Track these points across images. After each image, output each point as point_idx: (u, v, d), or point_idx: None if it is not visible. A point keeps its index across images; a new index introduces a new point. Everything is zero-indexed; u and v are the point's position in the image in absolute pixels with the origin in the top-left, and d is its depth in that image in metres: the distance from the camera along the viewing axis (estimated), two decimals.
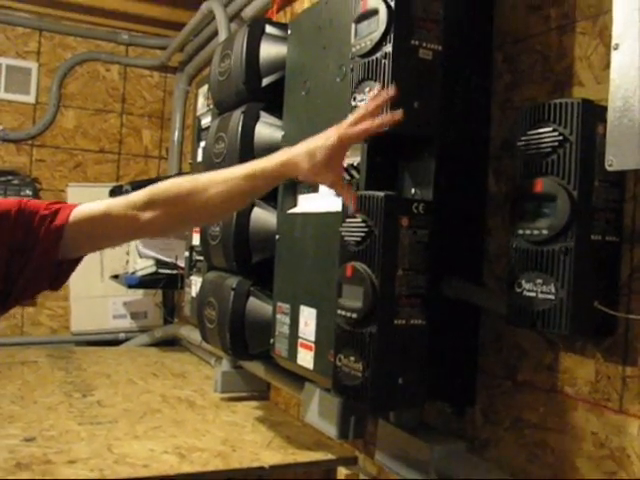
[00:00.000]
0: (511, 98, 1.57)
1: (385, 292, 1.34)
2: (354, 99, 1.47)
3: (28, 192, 4.10)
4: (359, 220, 1.39)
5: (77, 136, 4.32)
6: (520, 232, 1.28)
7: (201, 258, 2.66)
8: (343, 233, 1.44)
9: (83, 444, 2.11)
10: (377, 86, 1.39)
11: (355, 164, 1.60)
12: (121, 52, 4.39)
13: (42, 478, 1.82)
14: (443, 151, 1.44)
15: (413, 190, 1.47)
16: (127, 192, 3.56)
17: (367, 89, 1.41)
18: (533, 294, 1.24)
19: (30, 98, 4.21)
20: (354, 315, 1.36)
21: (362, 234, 1.36)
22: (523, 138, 1.29)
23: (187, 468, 1.95)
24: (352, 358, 1.37)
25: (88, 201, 3.89)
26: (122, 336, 4.19)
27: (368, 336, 1.33)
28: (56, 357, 3.52)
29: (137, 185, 3.58)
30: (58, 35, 4.25)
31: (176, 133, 4.33)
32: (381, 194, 1.36)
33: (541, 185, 1.23)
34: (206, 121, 2.76)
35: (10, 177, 4.13)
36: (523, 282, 1.26)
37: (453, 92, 1.47)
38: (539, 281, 1.23)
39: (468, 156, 1.52)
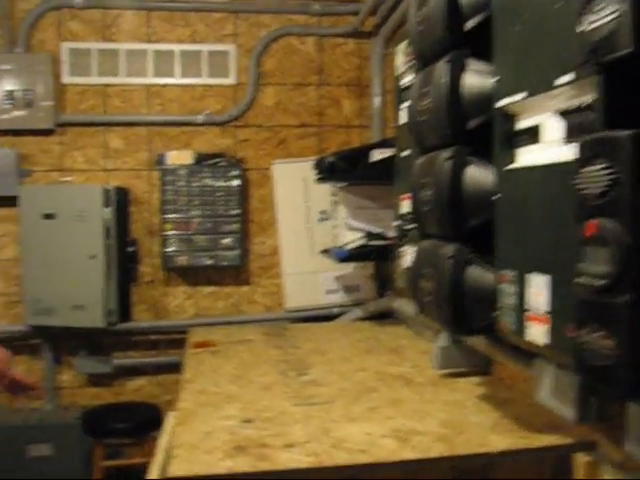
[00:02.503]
0: None
1: None
2: (581, 23, 1.22)
3: (235, 173, 4.15)
4: (599, 167, 1.14)
5: (278, 113, 4.31)
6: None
7: (412, 227, 2.49)
8: (579, 185, 1.19)
9: (299, 427, 2.02)
10: None
11: (582, 104, 1.34)
12: (314, 23, 4.31)
13: (258, 466, 1.74)
14: None
15: None
16: (331, 164, 3.48)
17: (601, 6, 1.15)
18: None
19: (230, 80, 4.26)
20: (601, 282, 1.12)
21: (605, 184, 1.11)
22: None
23: (408, 454, 1.80)
24: (600, 333, 1.14)
25: (291, 177, 3.79)
26: (336, 311, 4.16)
27: (622, 307, 1.08)
28: (271, 335, 3.52)
29: (341, 156, 3.48)
30: (252, 15, 4.25)
31: (376, 99, 4.19)
32: (627, 133, 1.10)
33: None
34: (407, 80, 2.57)
35: (218, 159, 4.20)
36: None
37: None
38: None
39: None
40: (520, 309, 1.59)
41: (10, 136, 4.10)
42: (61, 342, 4.13)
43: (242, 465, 1.73)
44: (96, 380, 4.23)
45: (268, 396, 2.38)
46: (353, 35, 4.31)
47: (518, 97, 1.57)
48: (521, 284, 1.58)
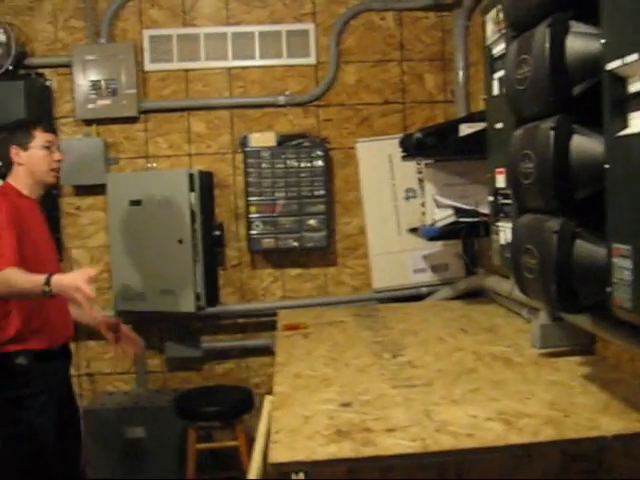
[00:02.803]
0: None
1: None
2: None
3: (319, 153, 4.10)
4: None
5: (360, 91, 4.24)
6: None
7: (508, 201, 2.39)
8: None
9: (400, 410, 1.97)
10: None
11: None
12: None
13: (362, 452, 1.70)
14: None
15: None
16: (419, 140, 3.39)
17: None
18: None
19: (311, 60, 4.21)
20: None
21: None
22: None
23: (515, 438, 1.73)
24: None
25: (376, 156, 3.73)
26: (424, 290, 4.08)
27: None
28: (362, 316, 3.48)
29: (428, 132, 3.39)
30: None
31: (460, 73, 4.06)
32: None
33: None
34: (498, 49, 2.46)
35: (301, 140, 4.17)
36: None
37: None
38: None
39: None
40: (636, 285, 1.49)
41: (96, 125, 4.16)
42: (150, 327, 4.20)
43: (346, 450, 1.69)
44: (185, 364, 4.28)
45: (365, 379, 2.34)
46: (434, 8, 4.18)
47: (630, 58, 1.47)
48: (637, 258, 1.48)
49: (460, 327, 3.06)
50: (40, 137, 2.95)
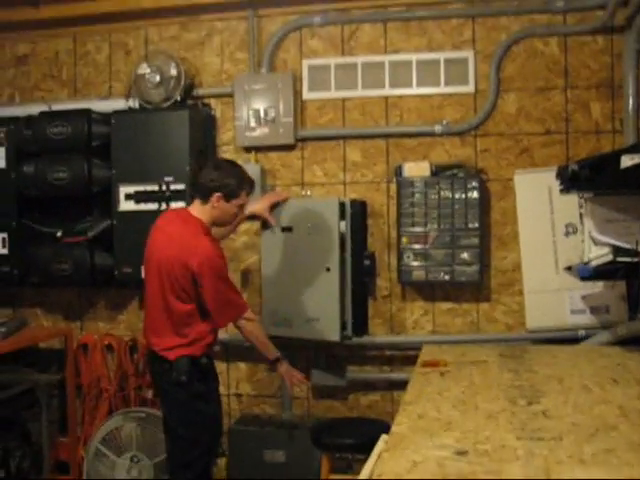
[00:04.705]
0: None
1: None
2: None
3: (474, 184, 3.96)
4: None
5: (520, 120, 4.05)
6: None
7: None
8: None
9: (518, 464, 1.81)
10: None
11: None
12: (558, 21, 3.99)
13: None
14: None
15: None
16: (574, 172, 3.18)
17: None
18: None
19: (469, 88, 4.10)
20: None
21: None
22: None
23: None
24: None
25: (535, 188, 3.52)
26: (581, 333, 3.82)
27: None
28: (507, 357, 3.28)
29: (586, 163, 3.16)
30: (490, 18, 4.05)
31: (630, 100, 3.78)
32: None
33: None
34: None
35: (456, 170, 4.05)
36: None
37: None
38: None
39: None
40: None
41: (255, 152, 4.28)
42: (297, 353, 4.22)
43: None
44: (330, 392, 4.26)
45: (491, 426, 2.18)
46: (602, 31, 3.91)
47: None
48: None
49: (612, 377, 2.79)
50: (243, 199, 3.24)
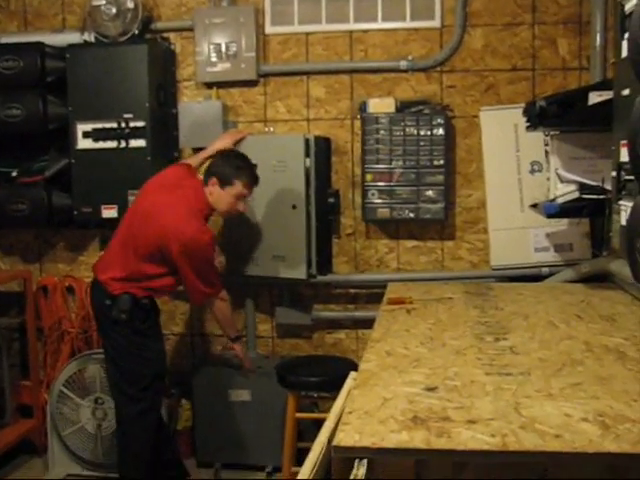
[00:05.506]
0: None
1: None
2: None
3: (440, 121, 3.91)
4: None
5: (486, 56, 3.99)
6: None
7: (632, 177, 2.15)
8: None
9: (487, 400, 1.81)
10: None
11: None
12: None
13: (433, 443, 1.56)
14: None
15: None
16: (542, 109, 3.15)
17: None
18: None
19: (435, 22, 4.02)
20: None
21: None
22: None
23: (610, 446, 1.51)
24: None
25: (500, 125, 3.48)
26: (545, 271, 3.84)
27: None
28: (473, 294, 3.30)
29: (553, 100, 3.13)
30: None
31: (597, 37, 3.72)
32: None
33: None
34: (631, 4, 2.19)
35: (422, 107, 3.99)
36: None
37: None
38: None
39: None
40: None
41: (216, 88, 4.16)
42: (262, 291, 4.19)
43: (416, 440, 1.56)
44: (295, 331, 4.26)
45: (459, 362, 2.19)
46: None
47: None
48: None
49: (576, 313, 2.82)
50: (238, 189, 3.31)
